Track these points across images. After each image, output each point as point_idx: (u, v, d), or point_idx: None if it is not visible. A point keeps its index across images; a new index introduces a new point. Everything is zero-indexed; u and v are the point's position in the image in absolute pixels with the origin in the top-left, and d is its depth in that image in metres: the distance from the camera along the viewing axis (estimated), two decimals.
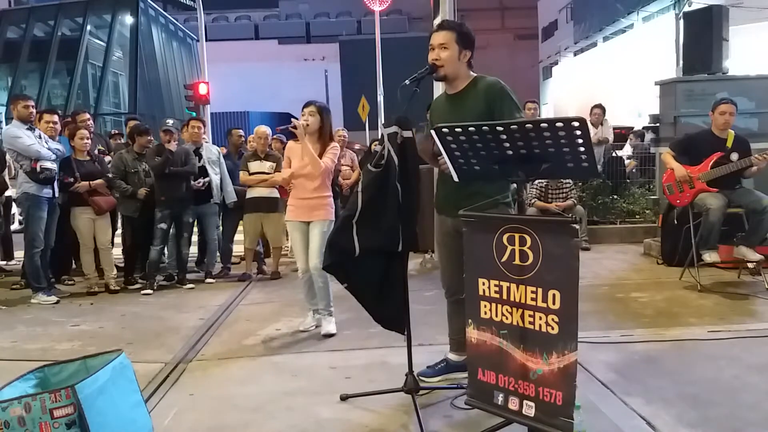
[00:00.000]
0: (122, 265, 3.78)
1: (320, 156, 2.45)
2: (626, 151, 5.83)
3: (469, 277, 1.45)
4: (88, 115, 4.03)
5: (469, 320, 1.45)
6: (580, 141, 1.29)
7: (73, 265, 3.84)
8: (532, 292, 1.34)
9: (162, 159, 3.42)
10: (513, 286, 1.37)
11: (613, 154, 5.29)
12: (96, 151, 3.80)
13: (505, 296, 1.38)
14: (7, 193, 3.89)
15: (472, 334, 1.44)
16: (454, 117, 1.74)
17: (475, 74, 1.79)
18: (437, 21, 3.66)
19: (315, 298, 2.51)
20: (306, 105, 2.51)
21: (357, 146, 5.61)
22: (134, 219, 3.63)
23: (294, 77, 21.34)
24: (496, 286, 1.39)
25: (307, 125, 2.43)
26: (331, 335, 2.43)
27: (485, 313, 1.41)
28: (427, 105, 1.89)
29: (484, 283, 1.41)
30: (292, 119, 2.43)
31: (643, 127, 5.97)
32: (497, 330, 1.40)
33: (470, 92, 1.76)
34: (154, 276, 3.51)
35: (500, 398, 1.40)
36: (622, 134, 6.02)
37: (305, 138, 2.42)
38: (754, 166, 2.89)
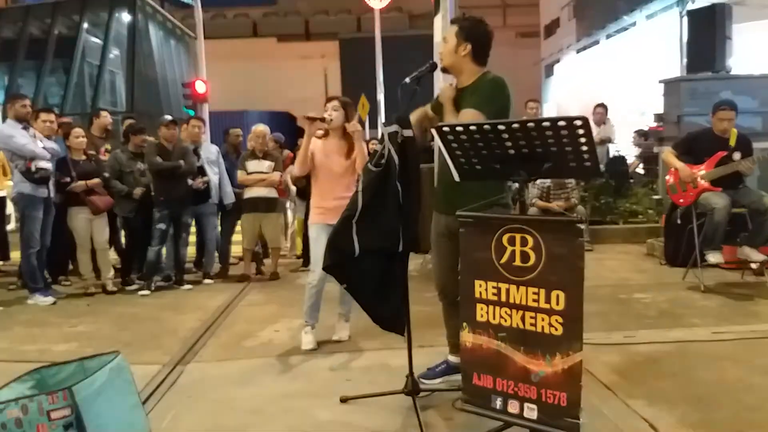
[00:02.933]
0: (119, 265, 3.76)
1: (348, 154, 2.28)
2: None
3: (465, 280, 1.42)
4: (106, 113, 4.09)
5: (464, 324, 1.42)
6: (583, 140, 1.27)
7: (70, 266, 3.82)
8: (534, 293, 1.32)
9: (170, 164, 3.40)
10: (513, 288, 1.35)
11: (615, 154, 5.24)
12: (103, 150, 3.77)
13: (503, 298, 1.36)
14: (1, 193, 3.87)
15: (467, 338, 1.41)
16: (456, 113, 1.73)
17: (485, 71, 1.77)
18: (437, 19, 3.63)
19: (317, 312, 2.36)
20: (329, 99, 2.35)
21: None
22: (130, 219, 3.61)
23: (293, 75, 21.28)
24: (494, 288, 1.37)
25: (331, 120, 2.26)
26: (342, 341, 2.38)
27: (481, 316, 1.39)
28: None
29: (480, 285, 1.39)
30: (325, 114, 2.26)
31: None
32: (495, 333, 1.38)
33: (470, 88, 1.75)
34: (152, 277, 3.49)
35: (498, 402, 1.38)
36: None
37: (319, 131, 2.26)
38: (752, 166, 2.88)
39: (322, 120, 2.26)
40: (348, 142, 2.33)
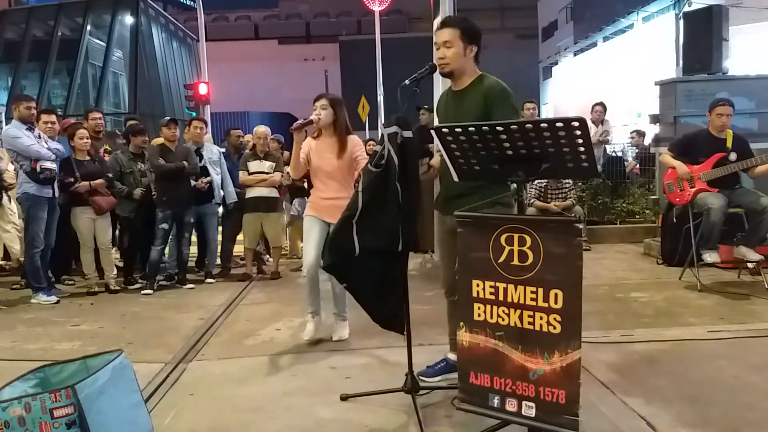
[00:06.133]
0: (122, 264, 3.78)
1: (339, 153, 2.28)
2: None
3: (462, 279, 1.43)
4: (99, 114, 4.04)
5: (461, 323, 1.43)
6: (580, 141, 1.29)
7: (73, 265, 3.84)
8: (532, 292, 1.33)
9: (174, 166, 3.41)
10: (510, 287, 1.36)
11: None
12: (102, 150, 3.79)
13: (501, 297, 1.37)
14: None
15: (464, 337, 1.42)
16: (456, 114, 1.74)
17: (481, 72, 1.78)
18: (437, 21, 3.66)
19: (317, 299, 2.40)
20: (317, 98, 2.32)
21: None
22: (131, 219, 3.62)
23: (294, 77, 21.34)
24: (491, 287, 1.38)
25: (319, 119, 2.25)
26: (342, 340, 2.38)
27: (479, 315, 1.40)
28: (417, 106, 1.87)
29: (478, 285, 1.40)
30: (311, 116, 2.25)
31: None
32: (492, 332, 1.39)
33: (472, 91, 1.76)
34: (154, 276, 3.50)
35: (496, 400, 1.39)
36: None
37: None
38: (760, 166, 2.85)
39: (310, 123, 2.24)
40: (339, 140, 2.31)
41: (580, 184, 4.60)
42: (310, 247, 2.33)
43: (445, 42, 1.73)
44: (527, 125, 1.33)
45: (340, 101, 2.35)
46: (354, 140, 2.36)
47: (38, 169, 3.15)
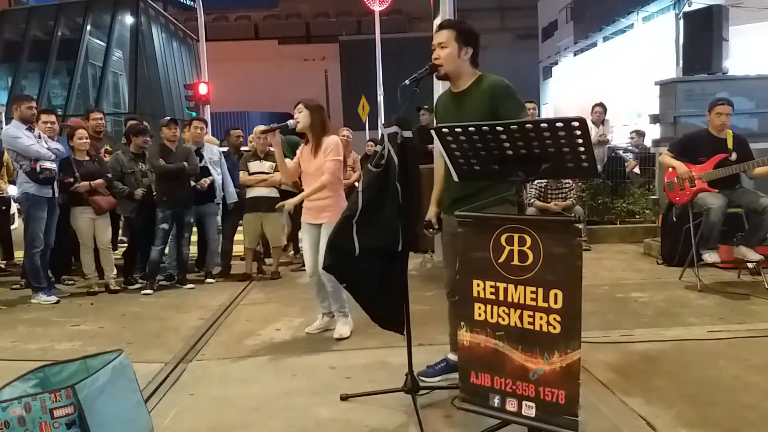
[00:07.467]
0: (121, 264, 3.78)
1: (315, 153, 2.38)
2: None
3: (463, 279, 1.44)
4: (101, 114, 4.04)
5: (462, 323, 1.43)
6: (580, 141, 1.29)
7: (73, 265, 3.84)
8: (532, 292, 1.33)
9: (174, 167, 3.42)
10: (511, 287, 1.36)
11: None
12: (102, 151, 3.79)
13: (501, 297, 1.38)
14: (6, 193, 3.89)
15: (465, 336, 1.43)
16: (458, 115, 1.74)
17: (480, 72, 1.79)
18: (437, 21, 3.66)
19: (326, 301, 2.47)
20: (296, 104, 2.44)
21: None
22: (131, 219, 3.63)
23: (294, 77, 21.36)
24: (491, 287, 1.38)
25: (297, 123, 2.36)
26: (343, 338, 2.39)
27: (479, 315, 1.40)
28: (417, 107, 1.88)
29: (478, 285, 1.40)
30: (289, 121, 2.38)
31: None
32: (492, 332, 1.39)
33: (474, 91, 1.76)
34: (154, 276, 3.51)
35: (496, 400, 1.39)
36: None
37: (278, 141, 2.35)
38: (759, 168, 2.85)
39: (282, 127, 2.33)
40: (315, 142, 2.40)
41: (580, 183, 4.60)
42: (306, 253, 2.47)
43: (440, 43, 1.74)
44: (527, 125, 1.33)
45: (316, 105, 2.45)
46: (329, 141, 2.40)
47: (38, 169, 3.15)
